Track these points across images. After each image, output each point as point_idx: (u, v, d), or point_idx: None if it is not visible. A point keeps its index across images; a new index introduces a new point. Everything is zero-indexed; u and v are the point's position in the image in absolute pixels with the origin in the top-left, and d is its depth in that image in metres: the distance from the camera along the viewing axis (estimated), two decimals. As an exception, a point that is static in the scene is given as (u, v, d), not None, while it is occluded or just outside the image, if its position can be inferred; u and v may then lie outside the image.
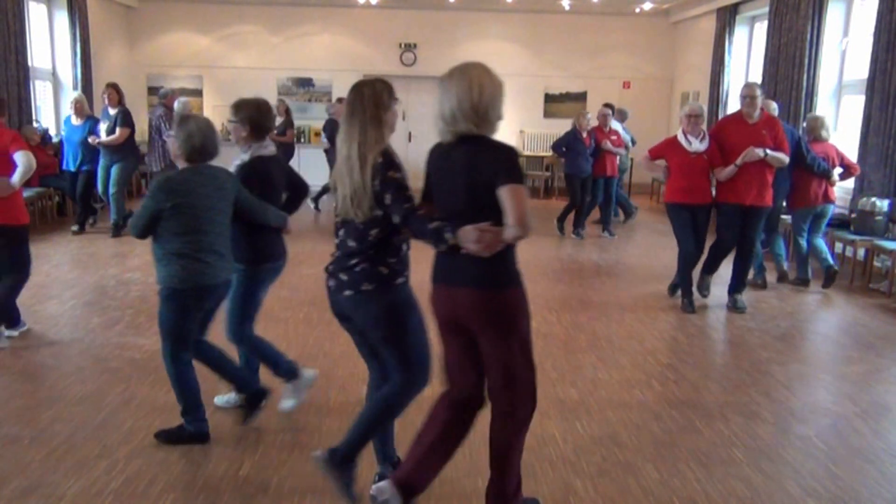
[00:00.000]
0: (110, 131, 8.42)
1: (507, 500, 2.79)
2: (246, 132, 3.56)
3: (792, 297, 6.60)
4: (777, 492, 3.18)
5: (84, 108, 8.58)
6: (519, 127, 14.00)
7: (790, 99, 9.09)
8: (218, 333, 3.86)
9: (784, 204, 6.96)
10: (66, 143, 8.77)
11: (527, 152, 13.73)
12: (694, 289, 6.13)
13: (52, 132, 10.20)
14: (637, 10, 13.28)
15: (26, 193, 7.38)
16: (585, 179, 9.17)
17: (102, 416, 3.73)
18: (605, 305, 6.18)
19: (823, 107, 8.98)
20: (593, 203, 9.51)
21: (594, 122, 9.32)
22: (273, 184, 3.68)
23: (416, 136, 14.03)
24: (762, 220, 6.01)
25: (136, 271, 6.85)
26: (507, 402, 2.70)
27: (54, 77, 10.84)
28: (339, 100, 11.70)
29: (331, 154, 11.25)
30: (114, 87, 8.66)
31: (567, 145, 9.12)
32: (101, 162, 8.56)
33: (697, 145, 5.84)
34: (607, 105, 10.00)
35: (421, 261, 2.95)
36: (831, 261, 6.82)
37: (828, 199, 6.79)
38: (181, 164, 3.38)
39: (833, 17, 8.90)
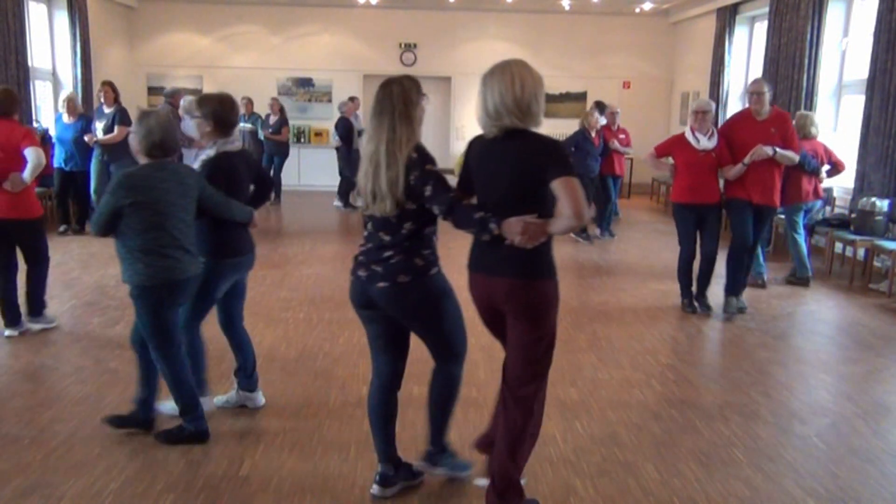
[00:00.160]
0: (108, 130, 8.42)
1: (511, 484, 2.80)
2: (210, 127, 3.55)
3: (792, 297, 6.60)
4: (777, 492, 3.18)
5: (76, 107, 8.54)
6: (519, 127, 13.98)
7: (790, 99, 9.08)
8: (213, 333, 3.87)
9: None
10: (57, 142, 8.69)
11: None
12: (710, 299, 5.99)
13: (53, 132, 10.18)
14: (637, 10, 13.28)
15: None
16: (593, 180, 9.14)
17: (102, 415, 3.73)
18: (605, 305, 6.18)
19: (823, 107, 8.98)
20: (608, 202, 9.46)
21: (602, 121, 9.28)
22: (239, 179, 3.67)
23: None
24: (769, 220, 5.89)
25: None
26: (520, 387, 2.79)
27: (54, 77, 10.84)
28: (352, 98, 11.71)
29: (342, 151, 11.26)
30: (109, 86, 8.63)
31: (576, 145, 9.05)
32: (96, 161, 8.54)
33: (705, 143, 5.70)
34: (598, 104, 10.00)
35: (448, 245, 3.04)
36: (807, 264, 6.93)
37: (817, 195, 6.97)
38: (142, 160, 3.36)
39: (833, 17, 8.89)
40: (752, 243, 5.93)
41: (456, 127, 14.01)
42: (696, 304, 5.95)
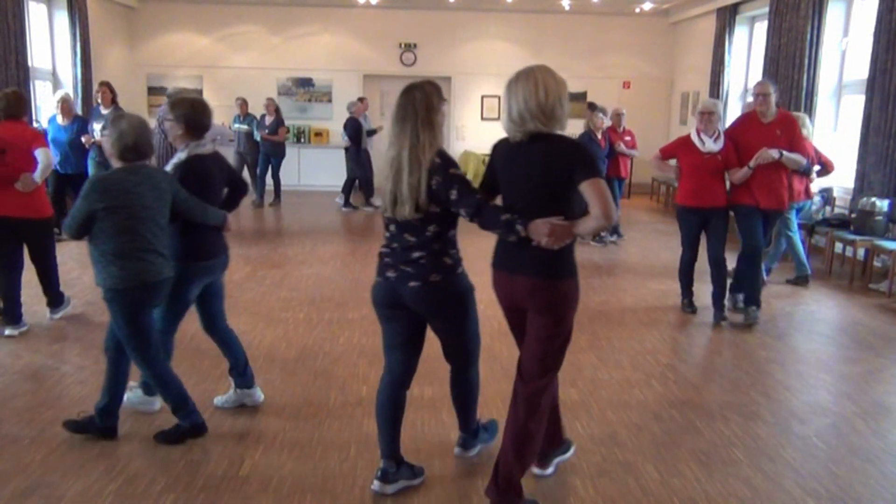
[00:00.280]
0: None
1: (512, 484, 2.82)
2: (181, 130, 3.56)
3: (792, 297, 6.60)
4: (777, 492, 3.18)
5: (70, 108, 8.35)
6: (519, 127, 13.99)
7: (790, 99, 9.09)
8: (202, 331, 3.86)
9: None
10: (52, 143, 8.37)
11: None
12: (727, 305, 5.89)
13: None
14: (637, 10, 13.28)
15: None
16: None
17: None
18: (606, 305, 6.18)
19: (823, 107, 8.98)
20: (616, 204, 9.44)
21: (608, 122, 9.25)
22: (211, 182, 3.67)
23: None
24: (774, 223, 5.82)
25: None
26: (531, 380, 2.87)
27: (54, 77, 10.84)
28: (360, 99, 11.68)
29: (351, 152, 11.24)
30: (107, 86, 8.58)
31: None
32: (92, 162, 8.44)
33: (711, 145, 5.53)
34: (590, 105, 9.99)
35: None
36: (806, 263, 6.91)
37: (808, 195, 6.99)
38: (115, 164, 3.36)
39: (833, 17, 8.89)
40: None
41: (456, 127, 14.01)
42: (724, 310, 5.71)
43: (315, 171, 13.57)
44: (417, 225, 2.84)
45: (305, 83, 13.98)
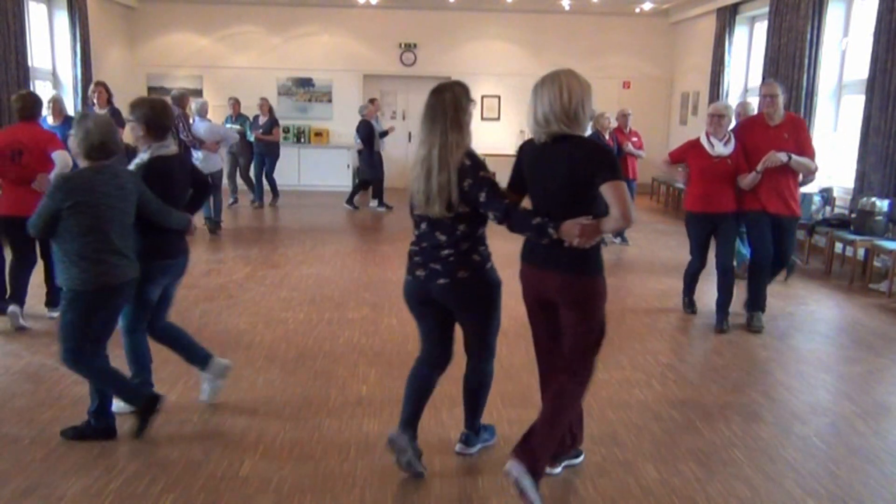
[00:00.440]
0: None
1: (541, 455, 2.89)
2: (142, 132, 3.56)
3: (792, 297, 6.59)
4: (777, 492, 3.18)
5: (61, 109, 8.29)
6: (519, 127, 13.98)
7: (790, 99, 9.08)
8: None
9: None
10: None
11: (527, 152, 13.73)
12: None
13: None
14: (637, 10, 13.29)
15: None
16: None
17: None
18: (606, 305, 6.15)
19: (823, 107, 8.99)
20: None
21: (614, 123, 9.24)
22: (174, 183, 3.67)
23: (416, 136, 13.99)
24: (793, 231, 5.54)
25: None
26: (573, 370, 2.99)
27: (54, 77, 10.84)
28: (372, 100, 11.66)
29: (364, 154, 11.24)
30: (103, 86, 8.55)
31: None
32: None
33: (720, 148, 5.35)
34: None
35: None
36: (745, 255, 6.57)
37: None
38: (81, 163, 3.34)
39: (833, 17, 8.90)
40: (780, 256, 5.52)
41: (456, 127, 14.00)
42: (727, 319, 5.55)
43: (315, 171, 13.58)
44: (448, 223, 2.94)
45: (305, 83, 13.98)
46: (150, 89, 13.36)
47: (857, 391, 4.39)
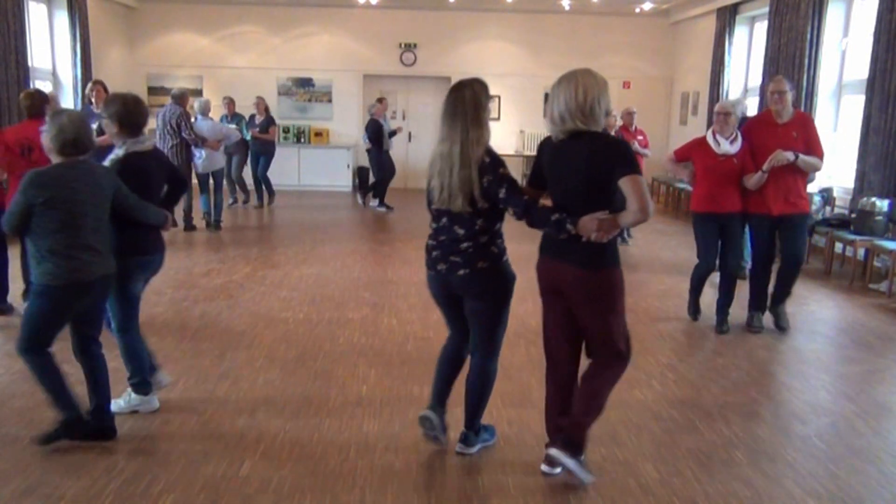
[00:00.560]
0: (100, 131, 8.32)
1: (578, 436, 3.09)
2: (116, 128, 3.58)
3: (792, 297, 6.57)
4: (777, 492, 3.18)
5: (56, 107, 8.32)
6: (519, 127, 14.00)
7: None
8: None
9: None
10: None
11: (527, 152, 13.70)
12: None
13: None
14: (637, 10, 13.28)
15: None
16: None
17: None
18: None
19: (823, 107, 8.98)
20: None
21: (620, 122, 9.21)
22: (149, 179, 3.68)
23: (416, 136, 14.03)
24: (802, 229, 5.39)
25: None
26: (605, 357, 3.10)
27: (54, 77, 10.84)
28: (380, 99, 11.65)
29: (372, 153, 11.23)
30: (101, 85, 8.54)
31: None
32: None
33: (727, 147, 5.22)
34: None
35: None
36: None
37: None
38: (55, 159, 3.33)
39: (833, 17, 8.90)
40: (795, 259, 5.41)
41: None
42: (727, 321, 5.52)
43: (315, 171, 13.57)
44: (468, 218, 3.03)
45: (305, 83, 13.98)
46: (150, 89, 13.37)
47: (857, 391, 4.39)
